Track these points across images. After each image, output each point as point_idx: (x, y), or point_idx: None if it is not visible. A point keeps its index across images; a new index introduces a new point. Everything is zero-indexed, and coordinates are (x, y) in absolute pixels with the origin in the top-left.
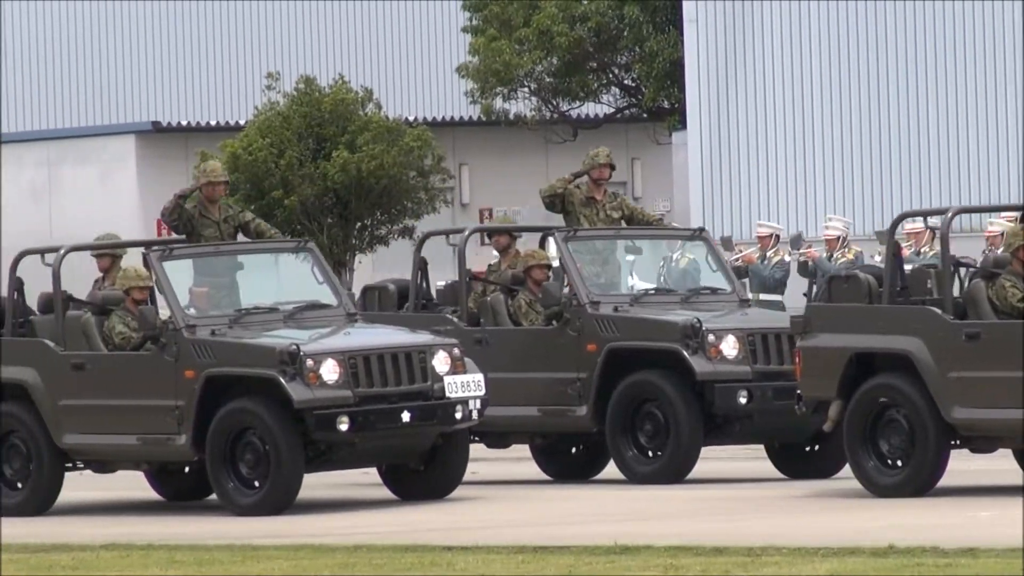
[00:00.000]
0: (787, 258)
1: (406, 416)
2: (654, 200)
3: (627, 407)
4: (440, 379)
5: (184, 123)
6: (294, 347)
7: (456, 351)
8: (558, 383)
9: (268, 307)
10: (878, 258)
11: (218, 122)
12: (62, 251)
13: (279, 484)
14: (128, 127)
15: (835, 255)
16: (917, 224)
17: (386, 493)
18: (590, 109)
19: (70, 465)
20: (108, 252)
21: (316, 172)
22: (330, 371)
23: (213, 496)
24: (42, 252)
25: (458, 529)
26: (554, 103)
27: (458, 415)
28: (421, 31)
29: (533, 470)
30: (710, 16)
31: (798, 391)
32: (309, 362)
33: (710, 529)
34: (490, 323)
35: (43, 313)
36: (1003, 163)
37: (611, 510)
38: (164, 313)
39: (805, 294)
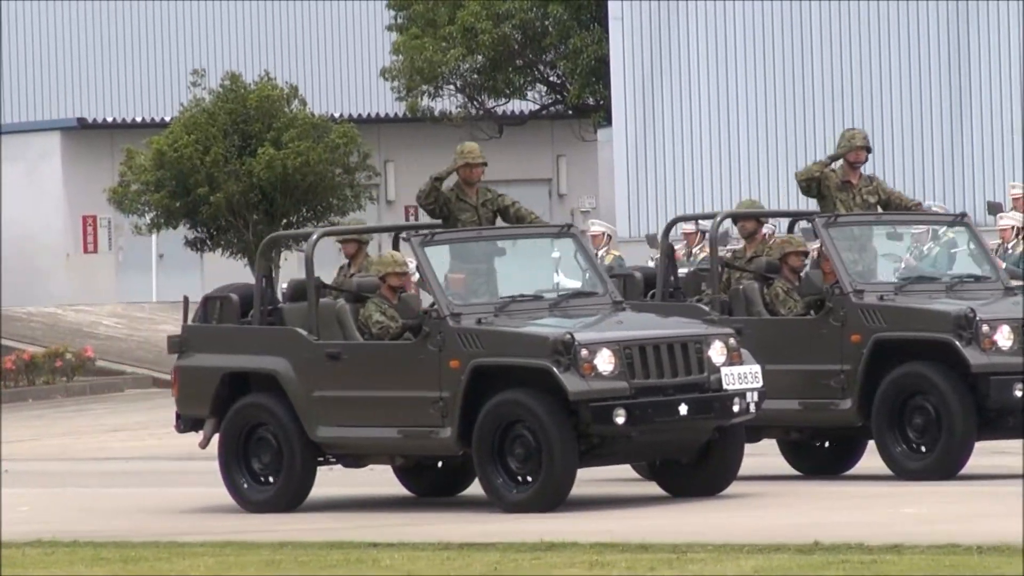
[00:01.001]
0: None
1: (683, 409)
2: (579, 196)
3: (895, 400)
4: (716, 370)
5: (110, 120)
6: (568, 336)
7: (732, 341)
8: (820, 375)
9: (532, 295)
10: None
11: (144, 119)
12: (315, 236)
13: (552, 479)
14: (53, 124)
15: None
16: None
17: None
18: (516, 106)
19: (321, 460)
20: (355, 238)
21: (242, 169)
22: (605, 361)
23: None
24: (293, 237)
25: (383, 526)
26: (479, 100)
27: (735, 408)
28: (346, 28)
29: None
30: (635, 13)
31: None
32: (584, 352)
33: (636, 526)
34: (743, 312)
35: (292, 301)
36: (927, 156)
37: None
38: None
39: None
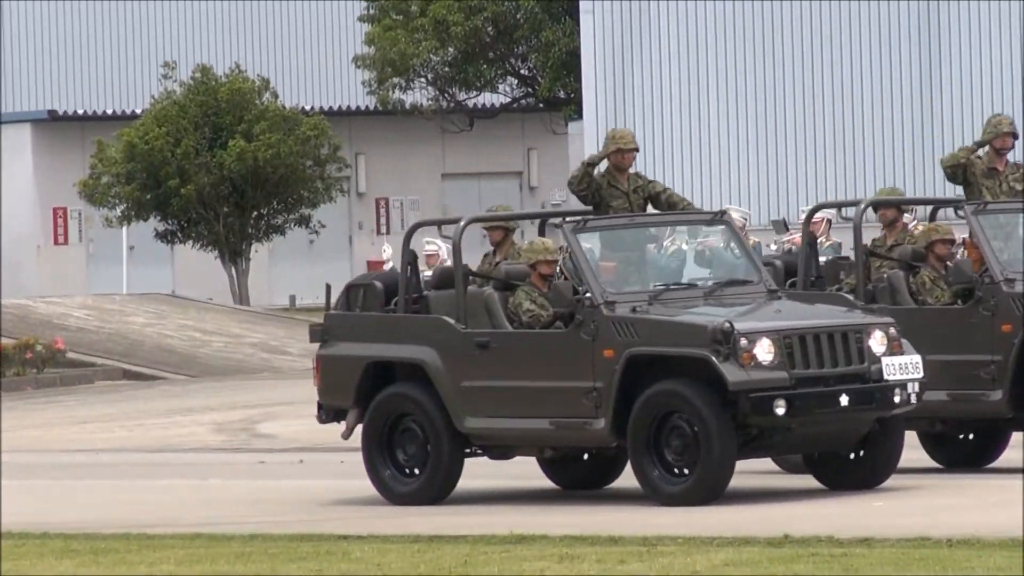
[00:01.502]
0: (684, 247)
1: (844, 400)
2: (550, 189)
3: None
4: (877, 360)
5: (80, 112)
6: (727, 325)
7: (892, 330)
8: (969, 366)
9: (686, 283)
10: (773, 247)
11: (115, 111)
12: (462, 223)
13: (710, 472)
14: (24, 116)
15: None
16: (819, 214)
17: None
18: (487, 99)
19: (468, 451)
20: (502, 225)
21: (212, 161)
22: (765, 351)
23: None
24: (439, 223)
25: (353, 518)
26: (450, 93)
27: (896, 399)
28: (318, 20)
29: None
30: (606, 7)
31: None
32: (743, 341)
33: (606, 519)
34: (887, 301)
35: (437, 289)
36: (897, 154)
37: (506, 500)
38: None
39: None
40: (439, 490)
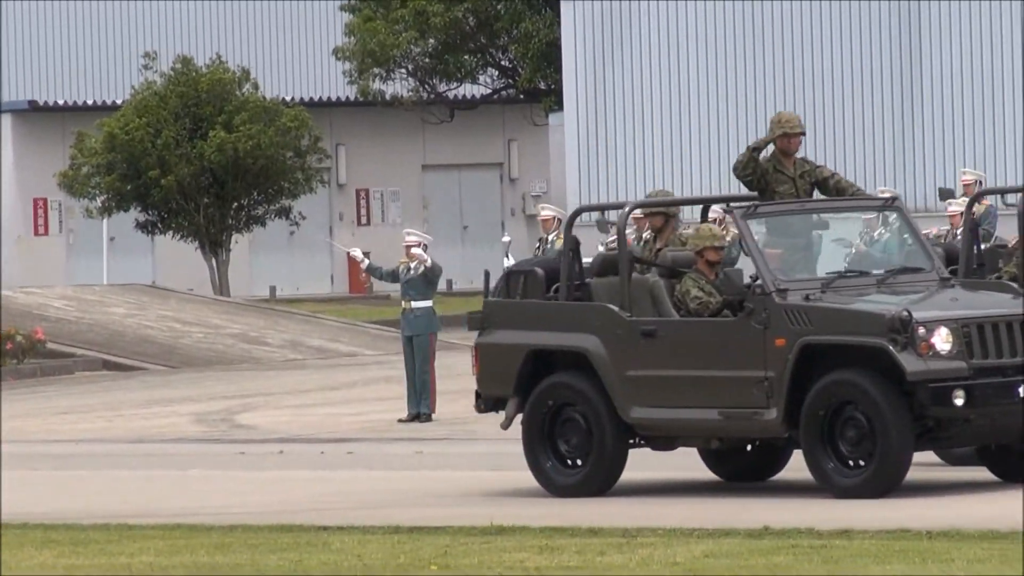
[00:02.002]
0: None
1: (1022, 391)
2: (530, 181)
3: None
4: None
5: (61, 103)
6: (906, 313)
7: None
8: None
9: (858, 270)
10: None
11: (95, 101)
12: (627, 208)
13: (886, 464)
14: (4, 106)
15: None
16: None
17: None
18: (467, 90)
19: (632, 441)
20: (662, 211)
21: (193, 152)
22: (943, 340)
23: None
24: (601, 208)
25: (333, 509)
26: (431, 84)
27: None
28: (298, 11)
29: None
30: None
31: None
32: (921, 330)
33: (586, 511)
34: None
35: (600, 276)
36: (878, 143)
37: (486, 492)
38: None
39: None
40: (603, 482)
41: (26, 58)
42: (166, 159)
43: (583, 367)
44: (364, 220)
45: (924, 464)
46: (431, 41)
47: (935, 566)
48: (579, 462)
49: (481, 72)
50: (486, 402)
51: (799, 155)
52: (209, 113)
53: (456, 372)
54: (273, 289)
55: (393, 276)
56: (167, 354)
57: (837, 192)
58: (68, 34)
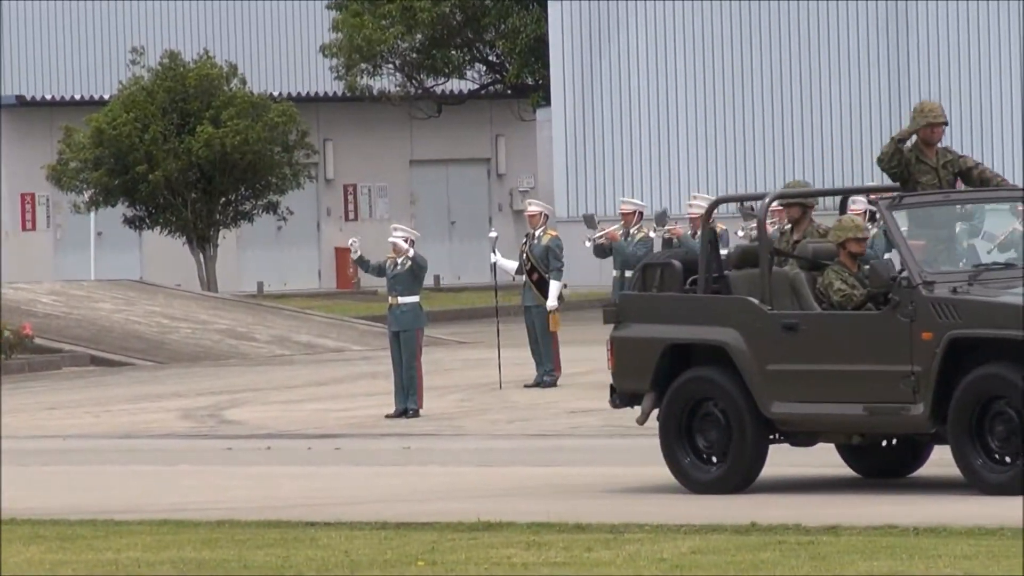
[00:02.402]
0: (652, 235)
1: None
2: (518, 176)
3: None
4: None
5: (49, 97)
6: None
7: None
8: None
9: (1003, 263)
10: (740, 234)
11: (83, 96)
12: (767, 199)
13: None
14: None
15: (699, 233)
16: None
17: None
18: (454, 85)
19: (772, 437)
20: (799, 202)
21: (180, 147)
22: None
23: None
24: (741, 199)
25: (320, 505)
26: (418, 79)
27: None
28: (286, 6)
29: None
30: None
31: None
32: None
33: (573, 506)
34: None
35: (738, 268)
36: (866, 143)
37: (473, 487)
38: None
39: None
40: (742, 478)
41: (14, 53)
42: (154, 154)
43: (722, 361)
44: (352, 215)
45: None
46: (418, 36)
47: (922, 562)
48: (717, 458)
49: (468, 67)
50: (621, 397)
51: (941, 145)
52: (197, 108)
53: (444, 368)
54: (261, 285)
55: (379, 271)
56: (155, 350)
57: (981, 183)
58: (56, 29)
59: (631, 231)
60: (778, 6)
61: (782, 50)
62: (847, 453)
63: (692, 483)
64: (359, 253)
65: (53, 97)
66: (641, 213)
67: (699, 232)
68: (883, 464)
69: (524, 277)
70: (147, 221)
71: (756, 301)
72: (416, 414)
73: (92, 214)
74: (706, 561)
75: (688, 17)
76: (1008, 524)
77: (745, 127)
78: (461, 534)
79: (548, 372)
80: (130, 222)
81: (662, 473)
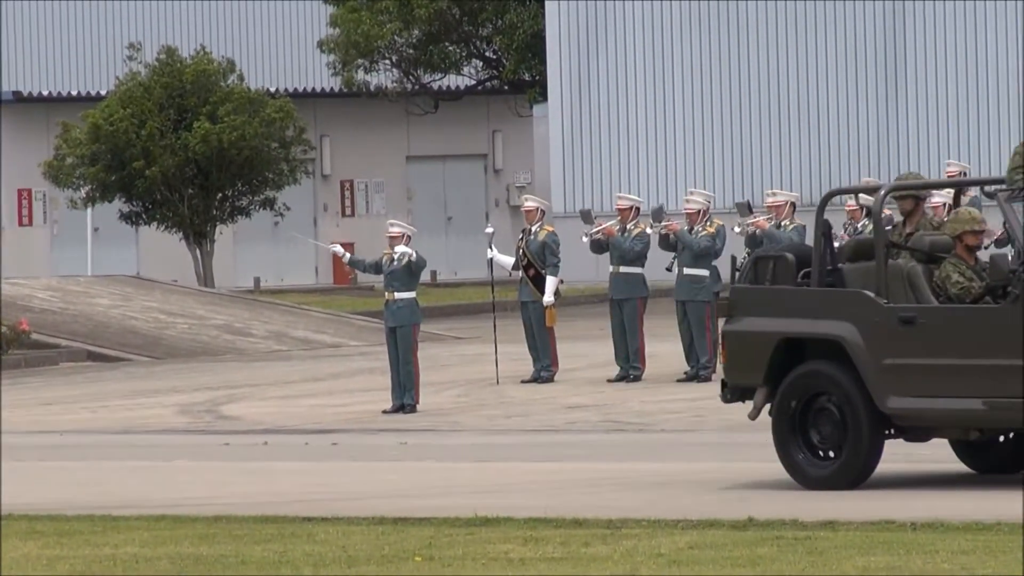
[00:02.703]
0: (648, 231)
1: None
2: (515, 172)
3: None
4: None
5: (46, 93)
6: None
7: None
8: None
9: None
10: (737, 230)
11: (80, 92)
12: (882, 191)
13: None
14: None
15: (696, 228)
16: (781, 196)
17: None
18: (451, 81)
19: (887, 432)
20: (912, 194)
21: (177, 143)
22: None
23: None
24: (854, 191)
25: (317, 500)
26: (415, 75)
27: None
28: (283, 2)
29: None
30: None
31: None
32: None
33: (570, 502)
34: None
35: (852, 261)
36: (862, 138)
37: (470, 483)
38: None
39: (668, 268)
40: (858, 473)
41: (11, 49)
42: (150, 150)
43: (837, 355)
44: (348, 211)
45: (920, 459)
46: (415, 32)
47: (919, 557)
48: (831, 454)
49: (465, 63)
50: (732, 392)
51: None
52: (193, 104)
53: (440, 363)
54: (257, 280)
55: (376, 268)
56: (152, 345)
57: None
58: (53, 25)
59: (627, 227)
60: (776, 5)
61: (779, 46)
62: (961, 449)
63: (806, 479)
64: (348, 256)
65: (50, 93)
66: (638, 209)
67: (695, 228)
68: (999, 460)
69: (521, 273)
70: (144, 217)
71: (872, 294)
72: (413, 409)
73: (89, 210)
74: (703, 556)
75: (684, 14)
76: (1005, 519)
77: (742, 123)
78: (458, 529)
79: (545, 367)
80: (127, 218)
81: (658, 468)
